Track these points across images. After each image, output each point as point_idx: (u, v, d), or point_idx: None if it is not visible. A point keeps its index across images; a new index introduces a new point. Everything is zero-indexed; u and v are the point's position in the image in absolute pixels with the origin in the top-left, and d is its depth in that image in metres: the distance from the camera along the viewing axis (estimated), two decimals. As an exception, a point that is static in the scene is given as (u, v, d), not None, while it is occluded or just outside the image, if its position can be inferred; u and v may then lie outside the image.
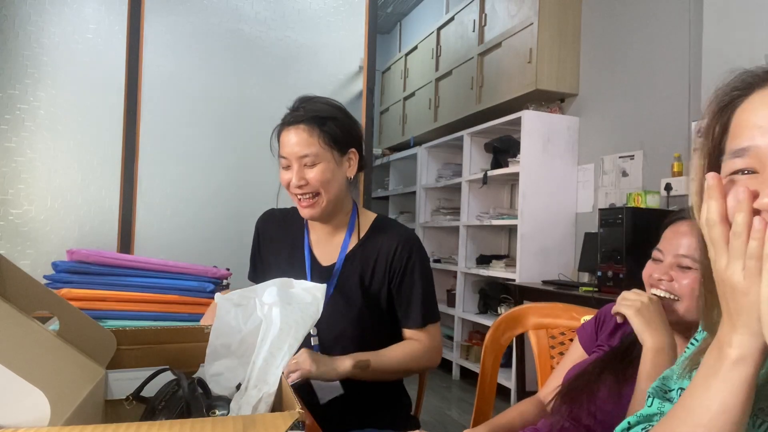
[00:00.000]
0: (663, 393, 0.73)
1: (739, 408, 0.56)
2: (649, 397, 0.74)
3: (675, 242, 1.03)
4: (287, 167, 1.29)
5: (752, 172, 0.57)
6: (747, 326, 0.54)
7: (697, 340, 0.74)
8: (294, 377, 1.14)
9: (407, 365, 1.32)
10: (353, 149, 1.33)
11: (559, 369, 1.21)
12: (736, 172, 0.58)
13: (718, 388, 0.57)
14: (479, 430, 1.11)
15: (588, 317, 1.34)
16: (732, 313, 0.55)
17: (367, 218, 1.40)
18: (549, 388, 1.21)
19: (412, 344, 1.34)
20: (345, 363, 1.20)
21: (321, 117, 1.28)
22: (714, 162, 0.64)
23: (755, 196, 0.54)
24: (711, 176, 0.55)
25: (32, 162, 2.17)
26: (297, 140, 1.26)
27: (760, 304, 0.51)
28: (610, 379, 1.02)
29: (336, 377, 1.20)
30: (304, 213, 1.30)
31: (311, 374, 1.16)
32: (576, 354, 1.20)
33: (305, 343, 1.27)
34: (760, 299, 0.50)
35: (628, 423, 0.74)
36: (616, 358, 1.05)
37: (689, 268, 0.99)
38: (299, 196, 1.28)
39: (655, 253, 1.07)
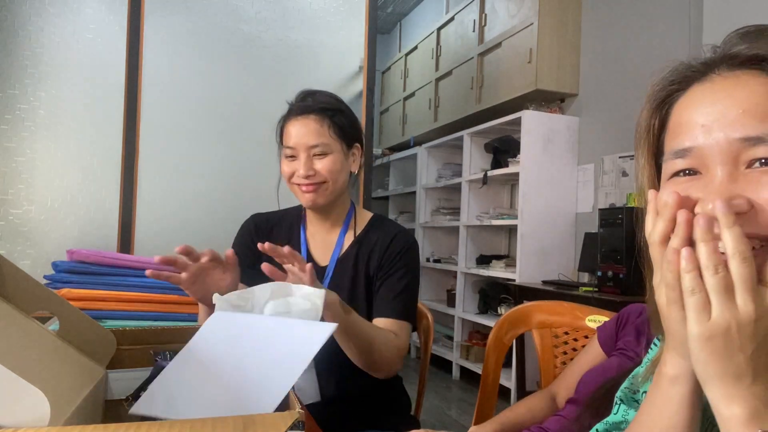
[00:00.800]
0: (632, 395, 0.72)
1: (684, 424, 0.56)
2: (616, 403, 0.73)
3: None
4: (292, 157, 1.26)
5: (694, 172, 0.55)
6: (675, 348, 0.55)
7: (659, 340, 0.73)
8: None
9: (376, 343, 1.18)
10: (357, 144, 1.33)
11: (575, 366, 1.20)
12: (677, 173, 0.56)
13: (662, 404, 0.58)
14: (485, 427, 1.10)
15: (593, 317, 1.33)
16: (665, 332, 0.55)
17: (364, 216, 1.39)
18: (562, 383, 1.20)
19: (389, 333, 1.23)
20: (332, 295, 1.06)
21: (331, 108, 1.28)
22: (654, 161, 0.62)
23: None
24: (668, 193, 0.53)
25: (32, 162, 2.17)
26: (307, 130, 1.24)
27: (687, 338, 0.49)
28: None
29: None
30: (307, 198, 1.26)
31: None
32: (593, 352, 1.18)
33: None
34: (688, 336, 0.49)
35: (596, 430, 0.73)
36: None
37: None
38: (303, 185, 1.25)
39: None
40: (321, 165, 1.25)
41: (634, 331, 1.12)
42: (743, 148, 0.52)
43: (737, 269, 0.46)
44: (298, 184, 1.26)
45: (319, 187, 1.25)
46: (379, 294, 1.28)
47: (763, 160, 0.51)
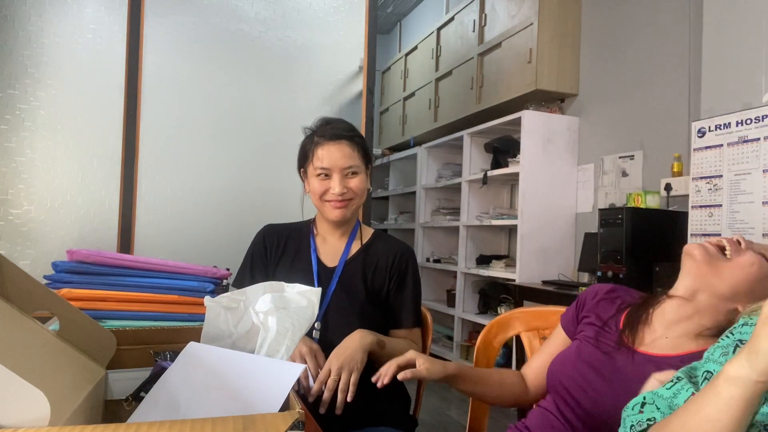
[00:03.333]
0: (690, 375, 0.77)
1: (722, 423, 0.61)
2: (673, 380, 0.77)
3: None
4: (326, 177, 1.41)
5: None
6: (749, 355, 0.60)
7: (732, 334, 0.77)
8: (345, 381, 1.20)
9: None
10: (371, 165, 1.50)
11: (542, 352, 1.24)
12: None
13: (707, 398, 0.63)
14: (449, 365, 1.16)
15: None
16: (751, 339, 0.60)
17: (367, 231, 1.55)
18: (530, 368, 1.25)
19: (411, 343, 1.44)
20: (368, 336, 1.28)
21: (357, 135, 1.45)
22: None
23: None
24: None
25: (32, 162, 2.18)
26: (342, 154, 1.39)
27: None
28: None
29: (364, 352, 1.26)
30: (337, 213, 1.42)
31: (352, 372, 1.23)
32: (559, 337, 1.22)
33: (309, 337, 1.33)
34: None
35: (643, 398, 0.77)
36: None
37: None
38: (334, 201, 1.41)
39: None
40: (353, 184, 1.41)
41: (593, 314, 1.15)
42: None
43: None
44: (329, 200, 1.41)
45: (348, 203, 1.42)
46: (393, 307, 1.45)
47: None
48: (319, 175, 1.41)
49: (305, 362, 1.23)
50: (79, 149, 2.23)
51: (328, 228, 1.49)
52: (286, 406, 0.67)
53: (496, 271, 3.87)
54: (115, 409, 0.81)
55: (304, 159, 1.46)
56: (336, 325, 1.37)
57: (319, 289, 0.92)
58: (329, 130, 1.43)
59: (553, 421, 1.08)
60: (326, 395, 1.18)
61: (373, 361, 1.30)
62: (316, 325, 1.37)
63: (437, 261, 4.65)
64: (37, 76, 2.19)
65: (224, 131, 2.42)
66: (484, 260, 4.14)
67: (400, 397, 1.44)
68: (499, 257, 4.09)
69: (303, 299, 0.88)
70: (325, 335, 1.36)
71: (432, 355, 1.31)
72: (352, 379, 1.19)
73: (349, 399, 1.18)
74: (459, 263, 4.25)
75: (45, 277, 1.36)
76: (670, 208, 2.89)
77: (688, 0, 2.92)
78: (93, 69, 2.26)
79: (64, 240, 2.18)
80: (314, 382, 1.22)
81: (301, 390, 1.21)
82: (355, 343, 1.26)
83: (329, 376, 1.19)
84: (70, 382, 0.66)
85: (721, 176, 2.40)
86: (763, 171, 2.22)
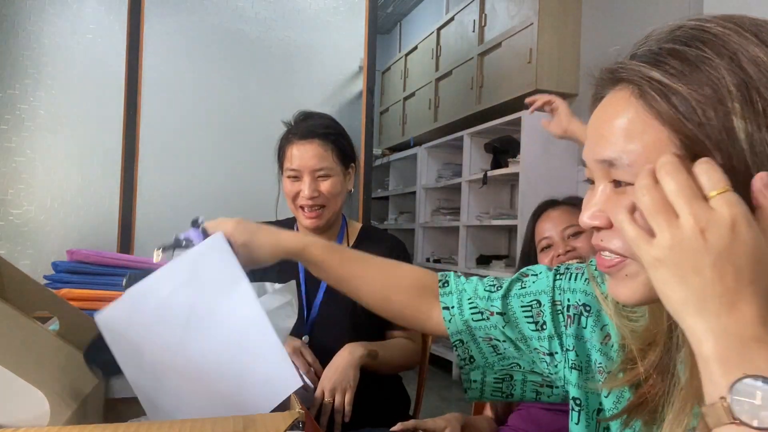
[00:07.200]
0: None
1: None
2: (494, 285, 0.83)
3: (555, 223, 1.24)
4: (296, 179, 1.33)
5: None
6: None
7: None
8: (339, 400, 1.16)
9: (404, 361, 1.37)
10: (352, 164, 1.40)
11: None
12: None
13: None
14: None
15: None
16: None
17: (354, 228, 1.47)
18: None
19: (407, 341, 1.39)
20: (357, 350, 1.21)
21: (332, 133, 1.34)
22: None
23: None
24: None
25: (32, 162, 2.18)
26: (312, 154, 1.31)
27: None
28: None
29: (356, 368, 1.20)
30: (308, 223, 1.34)
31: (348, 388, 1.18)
32: None
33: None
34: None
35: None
36: None
37: (579, 232, 1.20)
38: (306, 208, 1.33)
39: (542, 243, 1.28)
40: (324, 187, 1.32)
41: None
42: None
43: None
44: (302, 207, 1.33)
45: (322, 212, 1.33)
46: None
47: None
48: (290, 176, 1.33)
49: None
50: (79, 149, 2.23)
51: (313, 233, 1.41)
52: (286, 406, 0.68)
53: (496, 271, 3.86)
54: (115, 409, 0.81)
55: (279, 158, 1.38)
56: (325, 336, 1.31)
57: (293, 281, 0.90)
58: (303, 127, 1.34)
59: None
60: (323, 420, 1.13)
61: (370, 370, 1.25)
62: (303, 338, 1.30)
63: (437, 261, 4.65)
64: (37, 76, 2.19)
65: (224, 131, 2.42)
66: (484, 260, 4.14)
67: (400, 397, 1.44)
68: (499, 257, 4.09)
69: (279, 299, 0.87)
70: (313, 346, 1.28)
71: (432, 355, 1.31)
72: (347, 399, 1.14)
73: (346, 420, 1.14)
74: (459, 263, 4.24)
75: (45, 277, 1.36)
76: (670, 208, 2.89)
77: (688, 0, 2.92)
78: (93, 69, 2.26)
79: (64, 240, 2.18)
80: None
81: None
82: (345, 360, 1.19)
83: (324, 398, 1.15)
84: (70, 382, 0.66)
85: (721, 176, 2.40)
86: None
